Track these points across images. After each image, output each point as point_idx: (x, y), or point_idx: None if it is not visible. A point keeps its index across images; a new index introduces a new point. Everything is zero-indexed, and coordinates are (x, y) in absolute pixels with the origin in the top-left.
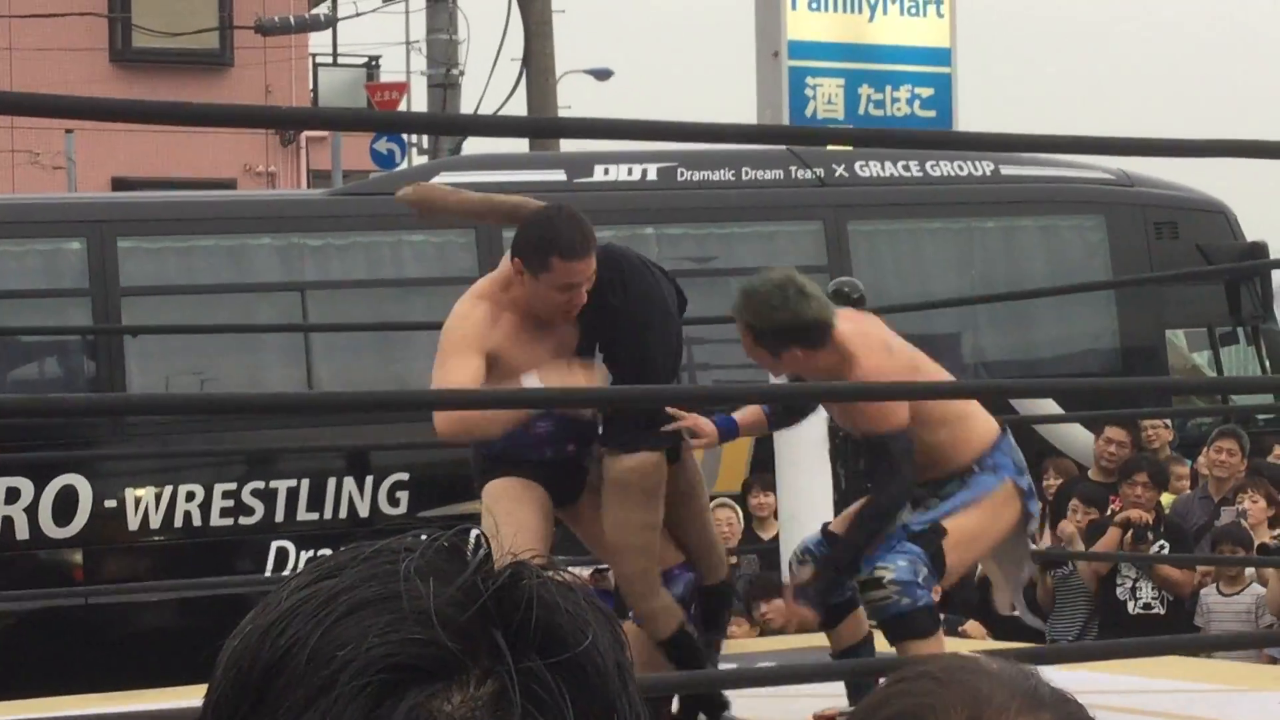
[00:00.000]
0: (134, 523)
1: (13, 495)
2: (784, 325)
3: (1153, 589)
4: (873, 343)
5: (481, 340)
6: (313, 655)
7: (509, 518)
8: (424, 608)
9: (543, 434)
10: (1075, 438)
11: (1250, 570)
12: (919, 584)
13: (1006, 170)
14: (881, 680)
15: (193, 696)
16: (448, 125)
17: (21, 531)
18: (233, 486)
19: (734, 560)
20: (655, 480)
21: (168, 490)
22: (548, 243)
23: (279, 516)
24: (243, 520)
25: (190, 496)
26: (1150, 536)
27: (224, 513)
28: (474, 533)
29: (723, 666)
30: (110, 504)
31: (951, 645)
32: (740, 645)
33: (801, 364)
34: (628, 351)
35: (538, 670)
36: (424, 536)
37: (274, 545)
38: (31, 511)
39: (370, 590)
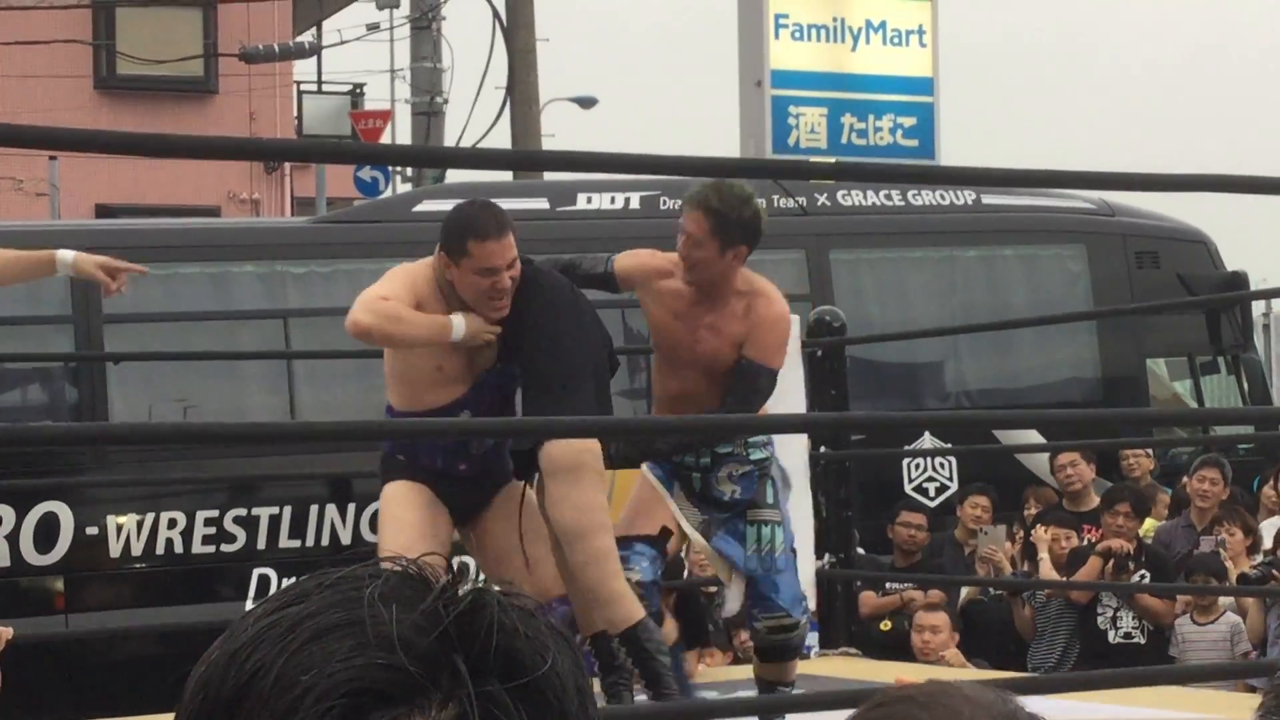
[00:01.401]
0: (116, 549)
1: None
2: (746, 222)
3: (1133, 618)
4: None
5: (420, 293)
6: (277, 680)
7: (393, 521)
8: (387, 633)
9: (439, 442)
10: None
11: (1226, 600)
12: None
13: (989, 199)
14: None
15: None
16: (430, 157)
17: (2, 559)
18: (215, 514)
19: (713, 589)
20: (594, 459)
21: (150, 517)
22: (462, 229)
23: (261, 544)
24: (225, 548)
25: (172, 523)
26: (1131, 566)
27: (206, 540)
28: (437, 560)
29: (705, 695)
30: (92, 531)
31: (933, 673)
32: (720, 674)
33: (730, 267)
34: (541, 360)
35: (497, 694)
36: (387, 564)
37: (256, 573)
38: (13, 539)
39: (334, 616)
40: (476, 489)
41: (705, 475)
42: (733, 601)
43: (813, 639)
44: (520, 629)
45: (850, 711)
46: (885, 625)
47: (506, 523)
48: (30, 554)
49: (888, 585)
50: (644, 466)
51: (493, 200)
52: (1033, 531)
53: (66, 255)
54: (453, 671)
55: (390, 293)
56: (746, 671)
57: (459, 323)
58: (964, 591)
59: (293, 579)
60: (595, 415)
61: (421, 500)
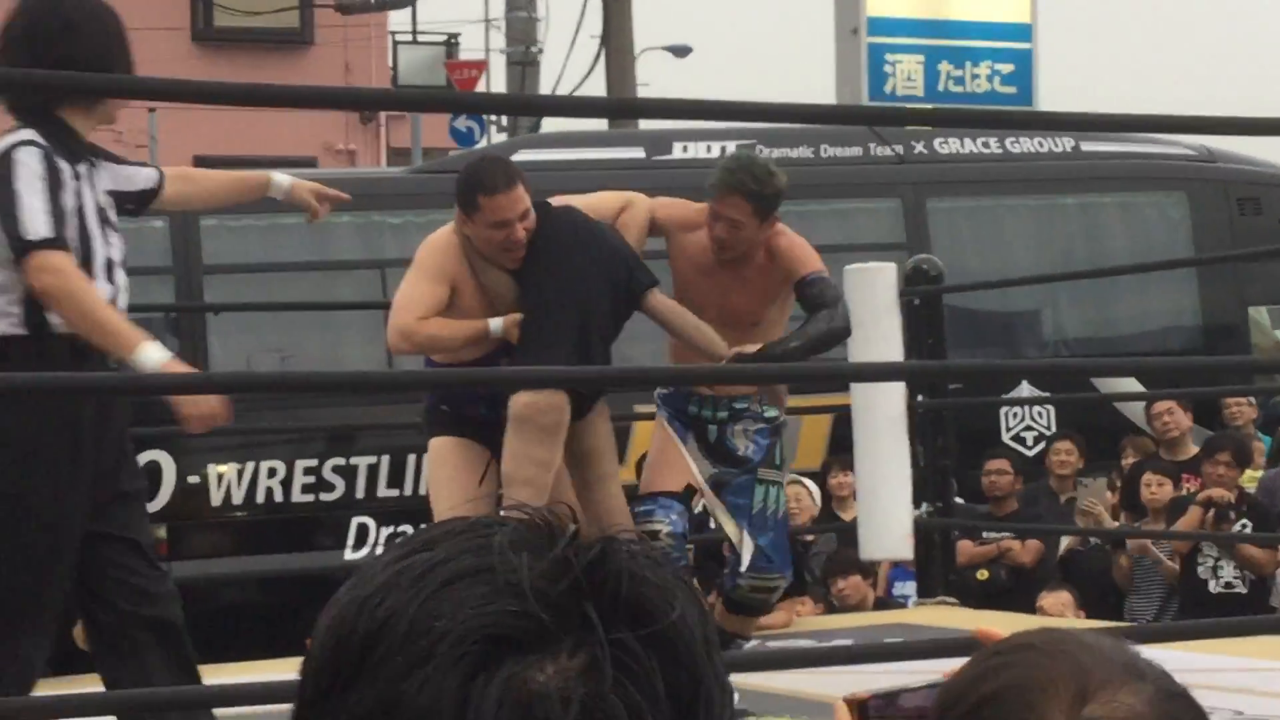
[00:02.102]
0: (217, 498)
1: None
2: (780, 191)
3: (1235, 568)
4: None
5: (450, 270)
6: (411, 626)
7: (445, 482)
8: (517, 580)
9: (481, 390)
10: None
11: None
12: None
13: (1087, 146)
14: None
15: (275, 671)
16: (525, 105)
17: None
18: (314, 463)
19: (810, 538)
20: (553, 419)
21: (250, 466)
22: (473, 184)
23: (360, 493)
24: (324, 496)
25: (272, 473)
26: (1232, 516)
27: (305, 489)
28: (562, 508)
29: (801, 644)
30: (193, 480)
31: (1031, 622)
32: (816, 623)
33: (761, 234)
34: (527, 310)
35: (628, 642)
36: (514, 513)
37: (354, 521)
38: None
39: (465, 563)
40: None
41: (721, 427)
42: (744, 561)
43: (910, 588)
44: (649, 577)
45: (959, 660)
46: (982, 574)
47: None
48: None
49: (984, 534)
50: (662, 417)
51: (501, 155)
52: (1141, 478)
53: (282, 180)
54: (583, 619)
55: (423, 301)
56: (840, 621)
57: (496, 325)
58: (1063, 541)
59: (391, 528)
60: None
61: (471, 457)
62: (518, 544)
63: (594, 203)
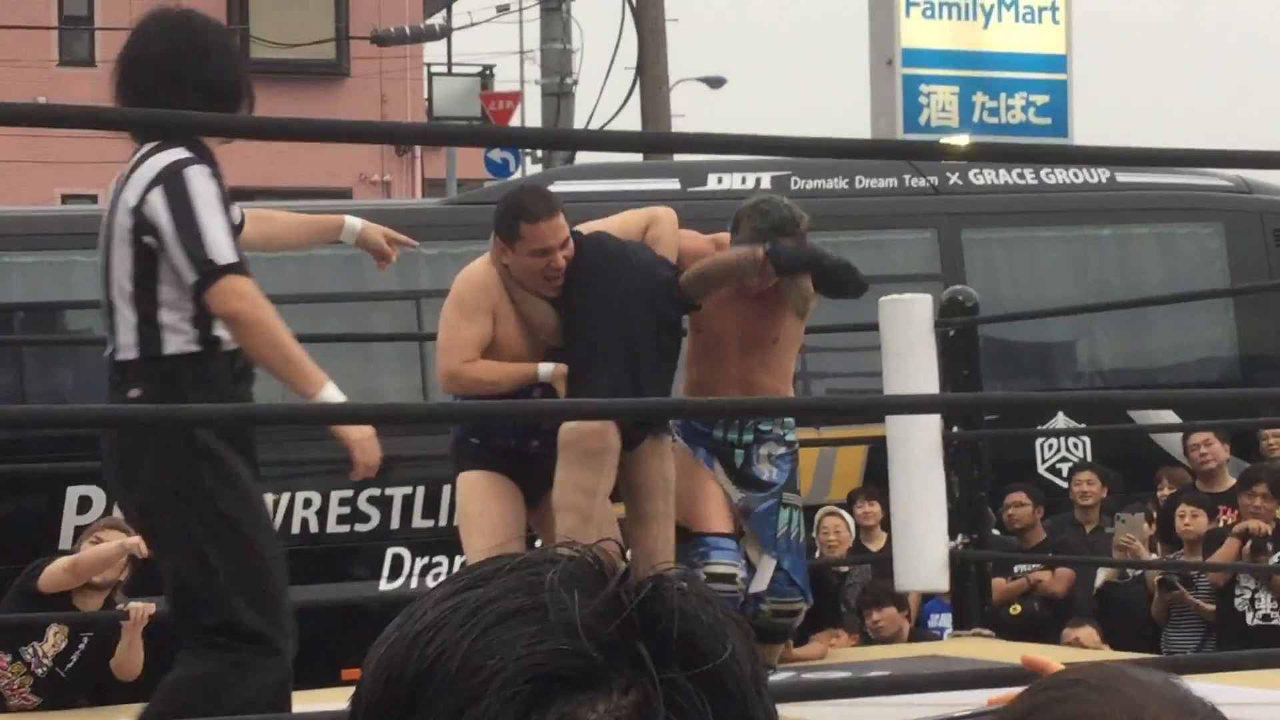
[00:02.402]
0: None
1: None
2: (805, 236)
3: (1272, 600)
4: None
5: (489, 304)
6: (462, 664)
7: (475, 517)
8: (570, 619)
9: (508, 423)
10: None
11: None
12: None
13: (1123, 178)
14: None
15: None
16: (560, 140)
17: None
18: (349, 493)
19: (844, 569)
20: (596, 445)
21: (285, 497)
22: (514, 213)
23: (395, 524)
24: (359, 527)
25: (307, 503)
26: (1269, 547)
27: (340, 519)
28: (611, 545)
29: (836, 676)
30: None
31: (1069, 655)
32: (852, 655)
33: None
34: (570, 339)
35: (680, 681)
36: (564, 550)
37: (389, 552)
38: None
39: (516, 601)
40: (546, 465)
41: (747, 451)
42: (759, 582)
43: (945, 620)
44: (700, 616)
45: (996, 690)
46: (1015, 609)
47: None
48: None
49: (1015, 569)
50: (681, 442)
51: (540, 185)
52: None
53: (355, 224)
54: (635, 658)
55: (469, 342)
56: (875, 653)
57: (545, 371)
58: (1100, 574)
59: (426, 559)
60: (622, 393)
61: (499, 491)
62: (569, 581)
63: (620, 223)
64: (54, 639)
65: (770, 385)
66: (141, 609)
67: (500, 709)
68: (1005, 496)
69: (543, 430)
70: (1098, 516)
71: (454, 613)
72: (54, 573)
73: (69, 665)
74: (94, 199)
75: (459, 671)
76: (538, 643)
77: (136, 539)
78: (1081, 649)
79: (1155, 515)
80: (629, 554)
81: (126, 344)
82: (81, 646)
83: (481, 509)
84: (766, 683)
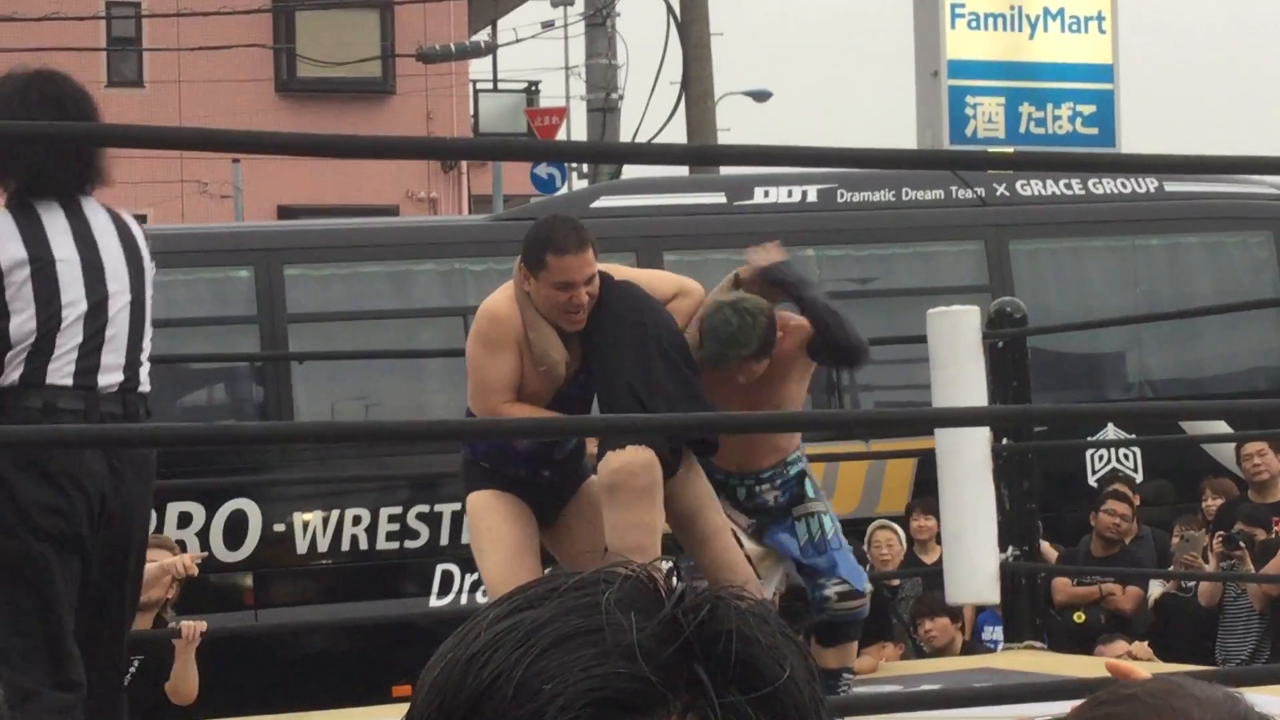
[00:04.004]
0: (302, 546)
1: (185, 520)
2: (770, 329)
3: None
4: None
5: (512, 337)
6: (519, 688)
7: (489, 534)
8: (627, 642)
9: (522, 451)
10: None
11: None
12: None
13: (1171, 187)
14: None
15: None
16: (607, 154)
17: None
18: (398, 510)
19: (895, 583)
20: (645, 480)
21: (335, 514)
22: (542, 243)
23: (444, 540)
24: (408, 544)
25: (357, 520)
26: None
27: (390, 536)
28: (666, 566)
29: (887, 689)
30: (279, 528)
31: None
32: (903, 668)
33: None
34: (601, 369)
35: (739, 705)
36: (619, 570)
37: (439, 569)
38: (203, 536)
39: (572, 623)
40: (557, 492)
41: (750, 489)
42: (766, 590)
43: (997, 633)
44: (759, 637)
45: (1041, 707)
46: (1079, 617)
47: (590, 523)
48: (220, 551)
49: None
50: None
51: (573, 218)
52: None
53: None
54: (693, 681)
55: (504, 380)
56: (927, 666)
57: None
58: (1154, 587)
59: (475, 575)
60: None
61: (512, 511)
62: (625, 603)
63: (650, 279)
64: None
65: (774, 441)
66: (193, 627)
67: None
68: (1107, 500)
69: (554, 460)
70: (1137, 527)
71: (509, 635)
72: (170, 690)
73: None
74: (143, 219)
75: (515, 696)
76: (595, 666)
77: (177, 558)
78: (1134, 661)
79: (1204, 523)
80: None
81: None
82: (132, 670)
83: (493, 524)
84: (825, 704)
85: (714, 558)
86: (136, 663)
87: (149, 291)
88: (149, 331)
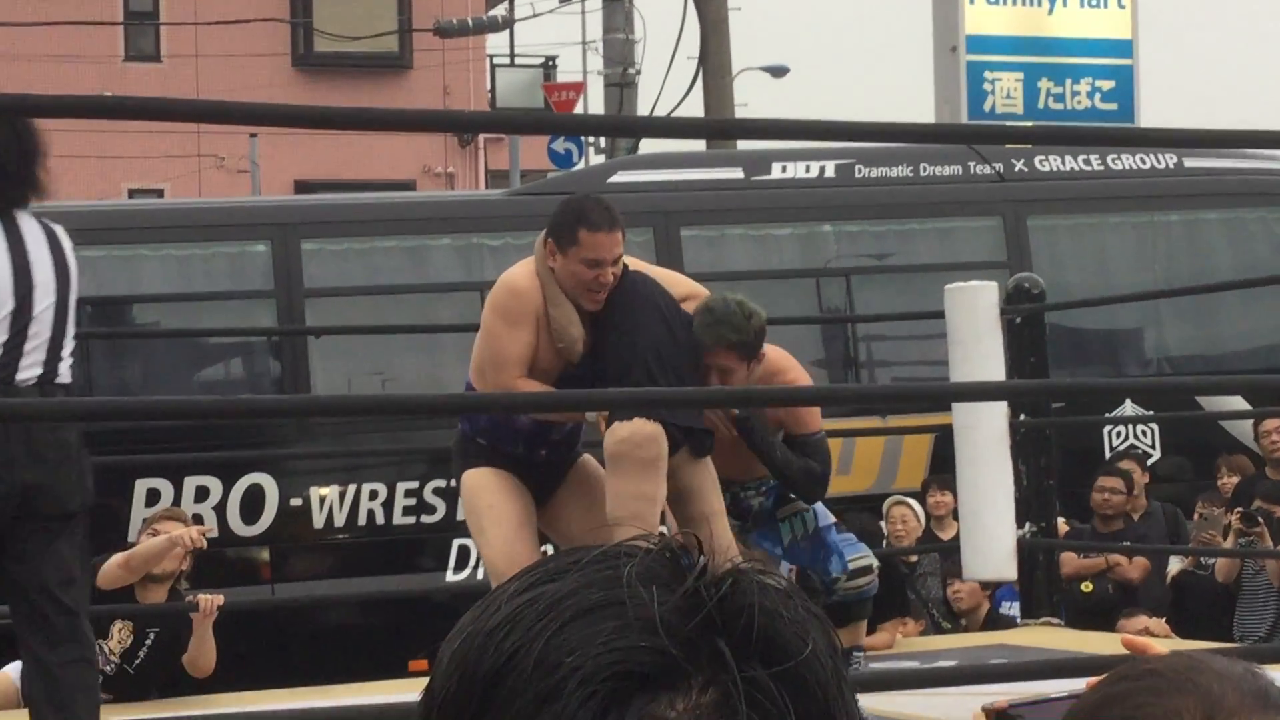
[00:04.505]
0: (319, 521)
1: (202, 494)
2: (759, 330)
3: None
4: (786, 355)
5: (532, 313)
6: (539, 660)
7: (489, 510)
8: (649, 615)
9: (520, 428)
10: None
11: None
12: None
13: (1190, 163)
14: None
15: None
16: (625, 127)
17: (210, 530)
18: (415, 485)
19: (913, 559)
20: (651, 452)
21: (351, 489)
22: (575, 218)
23: (461, 515)
24: (425, 519)
25: (373, 495)
26: None
27: (406, 511)
28: (690, 540)
29: (904, 665)
30: (296, 503)
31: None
32: (920, 644)
33: (750, 374)
34: (615, 345)
35: (761, 679)
36: (640, 544)
37: (456, 544)
38: (220, 510)
39: (594, 596)
40: (551, 472)
41: (735, 495)
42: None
43: (1014, 608)
44: (781, 611)
45: (1067, 681)
46: (1087, 587)
47: (582, 503)
48: (237, 525)
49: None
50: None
51: (602, 197)
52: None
53: None
54: (714, 655)
55: (520, 356)
56: (944, 642)
57: (590, 416)
58: (1173, 564)
59: None
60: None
61: (510, 487)
62: (646, 577)
63: (666, 278)
64: (119, 635)
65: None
66: (210, 600)
67: (579, 707)
68: (1099, 478)
69: (551, 440)
70: (1145, 502)
71: (529, 608)
72: (110, 569)
73: (137, 662)
74: (160, 193)
75: (536, 668)
76: (616, 639)
77: (185, 530)
78: (1151, 638)
79: (1220, 500)
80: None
81: None
82: (148, 642)
83: (493, 501)
84: (848, 679)
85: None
86: (152, 635)
87: (73, 296)
88: (71, 330)
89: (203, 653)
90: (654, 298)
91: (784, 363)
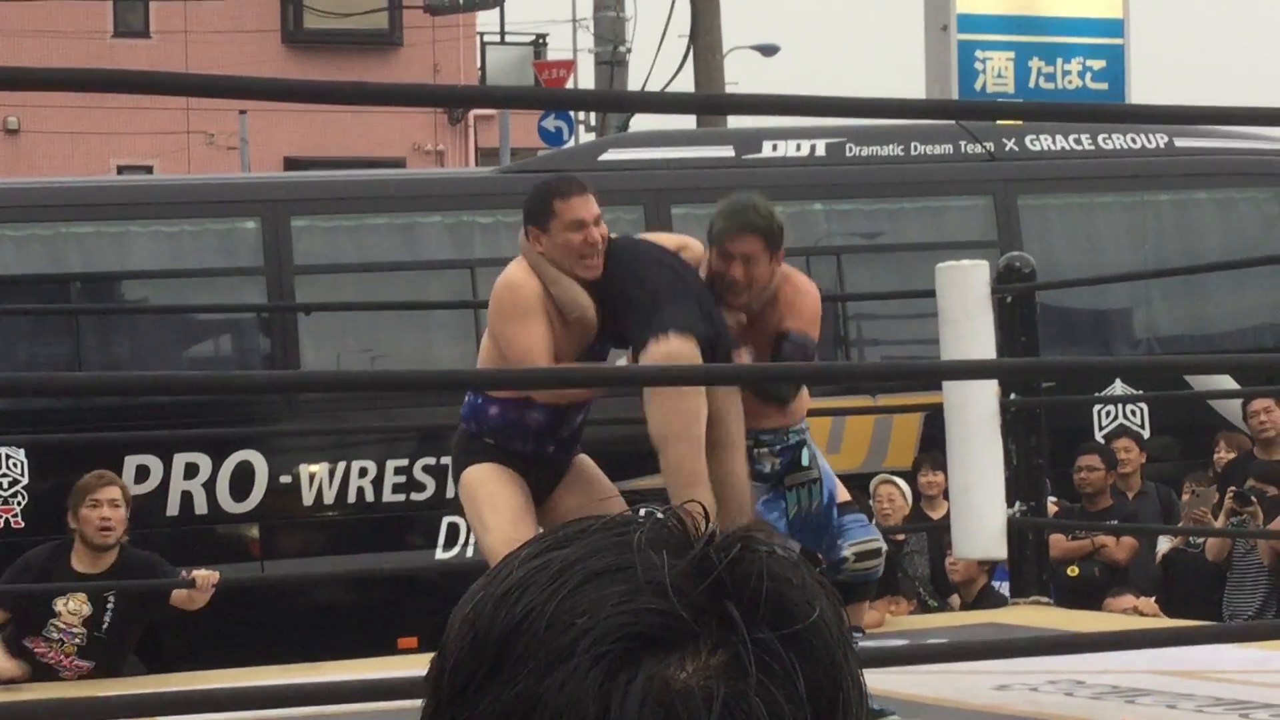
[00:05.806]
0: (308, 498)
1: (192, 470)
2: (782, 226)
3: None
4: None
5: (540, 302)
6: (551, 622)
7: (490, 499)
8: (659, 578)
9: (532, 425)
10: None
11: None
12: None
13: (1181, 143)
14: None
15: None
16: (615, 102)
17: (200, 507)
18: (404, 462)
19: (900, 537)
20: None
21: (341, 466)
22: (545, 195)
23: (450, 492)
24: (414, 496)
25: (363, 472)
26: None
27: (396, 488)
28: (694, 506)
29: (894, 643)
30: (285, 480)
31: (1126, 623)
32: (908, 622)
33: (773, 270)
34: (631, 299)
35: (769, 642)
36: (648, 511)
37: (445, 521)
38: (210, 487)
39: (604, 561)
40: (555, 468)
41: (748, 449)
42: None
43: (1004, 588)
44: (789, 577)
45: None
46: (1072, 571)
47: (583, 498)
48: (227, 502)
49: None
50: None
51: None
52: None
53: None
54: (723, 618)
55: (543, 346)
56: (933, 621)
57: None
58: (1163, 542)
59: None
60: (692, 323)
61: (509, 478)
62: (656, 542)
63: (653, 238)
64: (68, 608)
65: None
66: (207, 576)
67: (590, 668)
68: (1077, 457)
69: (560, 436)
70: (1139, 483)
71: (541, 572)
72: (178, 598)
73: (105, 625)
74: (149, 169)
75: (547, 630)
76: (627, 602)
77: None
78: (1140, 616)
79: (1214, 477)
80: (712, 514)
81: None
82: (110, 604)
83: (492, 491)
84: (854, 646)
85: (718, 469)
86: (112, 598)
87: None
88: None
89: (193, 598)
90: (649, 251)
91: (788, 270)
